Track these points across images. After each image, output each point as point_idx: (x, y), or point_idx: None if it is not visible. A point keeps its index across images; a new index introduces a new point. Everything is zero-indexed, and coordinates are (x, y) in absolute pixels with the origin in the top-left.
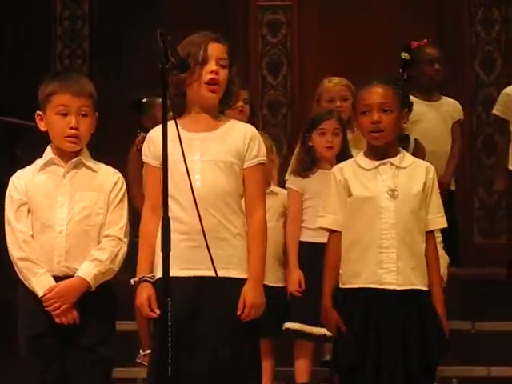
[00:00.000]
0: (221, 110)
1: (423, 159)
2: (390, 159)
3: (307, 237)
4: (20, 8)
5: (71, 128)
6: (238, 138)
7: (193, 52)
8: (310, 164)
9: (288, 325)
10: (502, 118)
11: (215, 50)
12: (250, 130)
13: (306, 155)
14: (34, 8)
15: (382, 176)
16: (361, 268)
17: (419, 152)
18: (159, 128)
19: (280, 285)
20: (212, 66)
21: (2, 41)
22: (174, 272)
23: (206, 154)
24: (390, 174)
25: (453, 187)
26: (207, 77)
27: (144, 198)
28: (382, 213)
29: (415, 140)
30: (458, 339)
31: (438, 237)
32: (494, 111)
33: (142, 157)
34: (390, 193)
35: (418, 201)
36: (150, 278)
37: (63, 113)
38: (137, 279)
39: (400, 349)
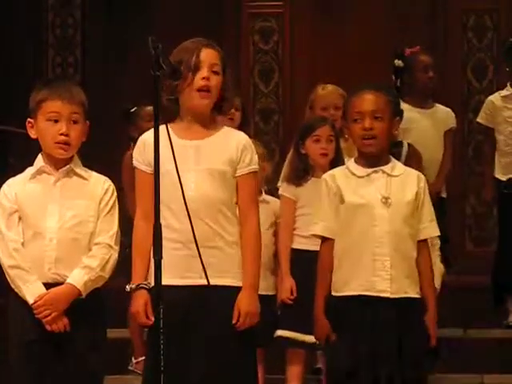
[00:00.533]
0: (213, 117)
1: (419, 164)
2: (382, 167)
3: (299, 244)
4: (11, 16)
5: (61, 134)
6: (232, 146)
7: (185, 59)
8: (303, 172)
9: (280, 332)
10: (485, 126)
11: (207, 56)
12: (243, 138)
13: (300, 162)
14: (25, 16)
15: (375, 184)
16: (354, 275)
17: (414, 156)
18: (150, 133)
19: (271, 293)
20: (204, 72)
21: None
22: (169, 280)
23: (200, 163)
24: (382, 182)
25: (444, 195)
26: (199, 83)
27: None
28: (376, 220)
29: (409, 145)
30: (450, 347)
31: (437, 244)
32: (478, 119)
33: (133, 162)
34: (383, 200)
35: (410, 209)
36: (146, 285)
37: (54, 119)
38: (133, 286)
39: (395, 357)
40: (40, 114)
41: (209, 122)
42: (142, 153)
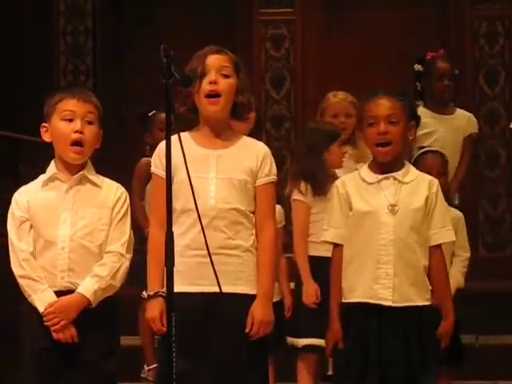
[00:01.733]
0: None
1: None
2: (393, 173)
3: (314, 251)
4: (23, 23)
5: (76, 132)
6: (252, 156)
7: (194, 67)
8: (328, 182)
9: (306, 341)
10: None
11: (214, 60)
12: (262, 148)
13: (322, 173)
14: (36, 23)
15: (384, 191)
16: (358, 282)
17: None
18: (172, 140)
19: (275, 299)
20: (211, 76)
21: (5, 56)
22: (184, 288)
23: (221, 172)
24: (392, 189)
25: (456, 201)
26: (206, 88)
27: (144, 210)
28: (381, 228)
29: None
30: (462, 353)
31: (461, 256)
32: None
33: (152, 168)
34: (390, 208)
35: (419, 216)
36: (163, 292)
37: (69, 118)
38: (151, 293)
39: (403, 364)
40: (55, 115)
41: (228, 129)
42: (160, 158)
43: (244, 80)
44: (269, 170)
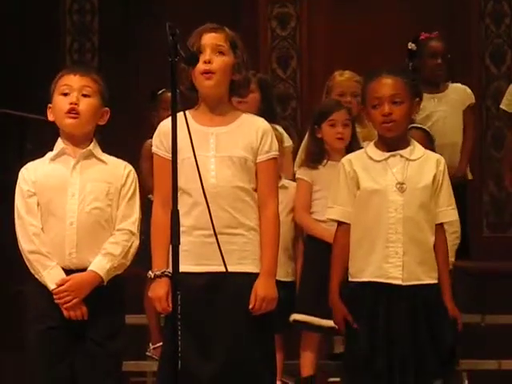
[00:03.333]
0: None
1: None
2: (400, 151)
3: None
4: (29, 2)
5: (71, 103)
6: (251, 133)
7: (190, 45)
8: (319, 155)
9: (297, 316)
10: (510, 113)
11: (209, 39)
12: (262, 124)
13: (315, 147)
14: (43, 2)
15: (392, 169)
16: (367, 262)
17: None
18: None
19: (290, 279)
20: (205, 55)
21: (11, 35)
22: (189, 267)
23: (221, 150)
24: (399, 167)
25: (470, 177)
26: (201, 67)
27: None
28: (389, 206)
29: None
30: (468, 333)
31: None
32: (502, 106)
33: (153, 149)
34: (398, 186)
35: (427, 194)
36: (170, 272)
37: (66, 92)
38: (158, 273)
39: (410, 344)
40: (55, 92)
41: (227, 107)
42: (161, 139)
43: (241, 57)
44: (269, 147)
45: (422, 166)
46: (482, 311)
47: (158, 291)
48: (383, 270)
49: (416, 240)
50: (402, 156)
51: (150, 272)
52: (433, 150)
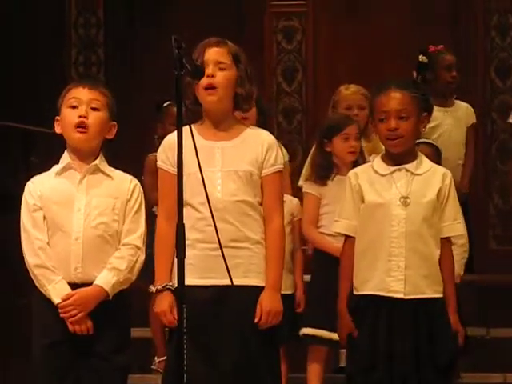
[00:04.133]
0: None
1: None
2: (406, 165)
3: None
4: (35, 15)
5: (80, 117)
6: (256, 146)
7: (194, 60)
8: (327, 169)
9: (306, 330)
10: None
11: (212, 53)
12: (267, 138)
13: (324, 160)
14: (48, 15)
15: (397, 183)
16: (370, 275)
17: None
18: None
19: (289, 292)
20: (208, 70)
21: (17, 48)
22: (194, 281)
23: (227, 164)
24: (404, 181)
25: (466, 190)
26: (204, 81)
27: None
28: (392, 220)
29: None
30: (473, 346)
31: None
32: (510, 120)
33: (158, 163)
34: (401, 200)
35: (431, 208)
36: (171, 286)
37: (74, 105)
38: (159, 287)
39: (412, 356)
40: (63, 105)
41: (232, 121)
42: (167, 153)
43: (244, 71)
44: (274, 160)
45: (428, 181)
46: (487, 324)
47: (162, 305)
48: (385, 284)
49: (419, 254)
50: (407, 170)
51: (151, 286)
52: (439, 164)
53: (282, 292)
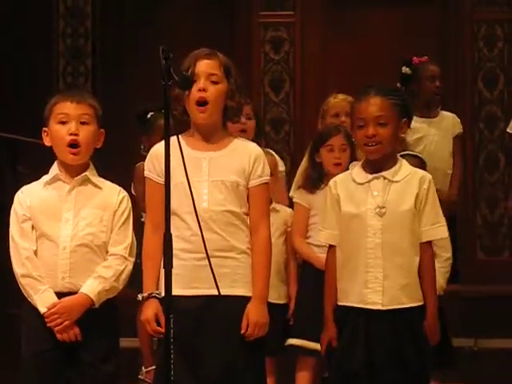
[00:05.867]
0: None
1: None
2: (383, 173)
3: None
4: (22, 25)
5: (71, 134)
6: (243, 157)
7: (184, 70)
8: (317, 180)
9: (292, 341)
10: None
11: (203, 66)
12: (254, 149)
13: (314, 171)
14: (36, 25)
15: (373, 192)
16: (350, 286)
17: None
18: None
19: (282, 302)
20: (199, 84)
21: (3, 57)
22: (180, 291)
23: (213, 175)
24: (380, 190)
25: (455, 199)
26: (195, 95)
27: None
28: (368, 231)
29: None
30: (460, 357)
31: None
32: (509, 130)
33: (145, 172)
34: (377, 210)
35: (408, 217)
36: (157, 294)
37: (63, 121)
38: (145, 295)
39: (393, 368)
40: (52, 119)
41: (220, 132)
42: (154, 162)
43: (234, 84)
44: (261, 171)
45: (405, 188)
46: (474, 335)
47: (147, 313)
48: (363, 296)
49: (397, 264)
50: (384, 178)
51: (138, 295)
52: None
53: (276, 301)
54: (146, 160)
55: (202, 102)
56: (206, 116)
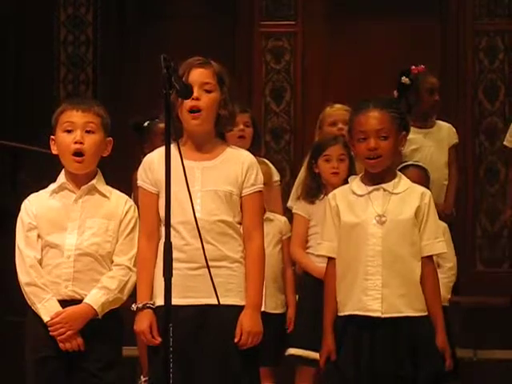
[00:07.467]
0: (221, 133)
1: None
2: (383, 185)
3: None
4: (23, 33)
5: (76, 143)
6: (236, 166)
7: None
8: (316, 190)
9: (291, 350)
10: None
11: (197, 75)
12: (247, 158)
13: (313, 181)
14: (37, 33)
15: (373, 202)
16: (349, 295)
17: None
18: (157, 153)
19: (279, 311)
20: (193, 92)
21: (5, 65)
22: (174, 300)
23: (206, 184)
24: (380, 200)
25: (450, 211)
26: (188, 104)
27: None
28: (368, 239)
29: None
30: (460, 367)
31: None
32: (506, 143)
33: (138, 182)
34: (377, 218)
35: (408, 226)
36: (152, 304)
37: (69, 129)
38: (140, 305)
39: (393, 376)
40: (58, 127)
41: (214, 142)
42: (147, 172)
43: (227, 93)
44: (254, 180)
45: (405, 199)
46: (473, 346)
47: (141, 324)
48: (362, 303)
49: (397, 272)
50: (384, 190)
51: (133, 305)
52: (428, 187)
53: (273, 311)
54: (139, 169)
55: (195, 111)
56: (199, 122)
